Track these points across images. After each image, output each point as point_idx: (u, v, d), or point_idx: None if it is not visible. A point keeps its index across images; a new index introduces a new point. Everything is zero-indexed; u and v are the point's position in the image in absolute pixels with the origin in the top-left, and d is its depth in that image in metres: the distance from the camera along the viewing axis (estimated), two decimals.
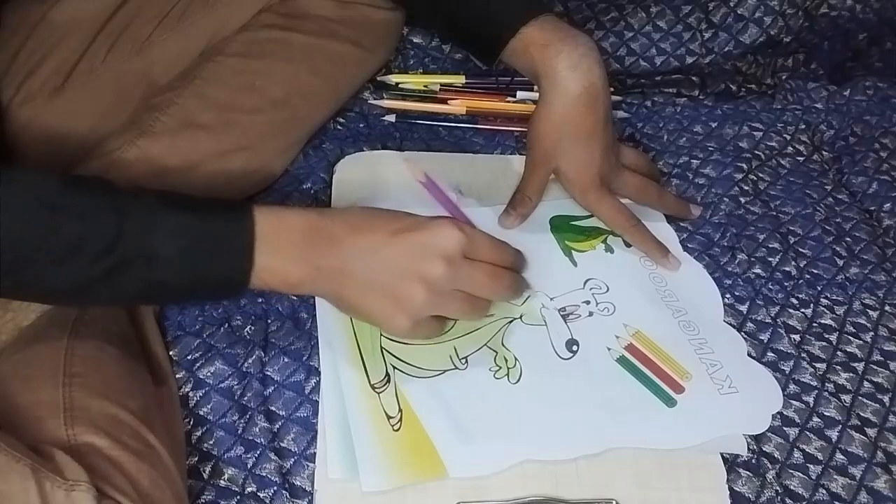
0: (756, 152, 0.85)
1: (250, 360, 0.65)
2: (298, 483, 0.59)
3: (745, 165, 0.83)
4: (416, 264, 0.56)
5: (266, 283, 0.55)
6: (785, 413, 0.64)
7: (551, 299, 0.69)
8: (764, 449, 0.62)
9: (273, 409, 0.62)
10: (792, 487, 0.60)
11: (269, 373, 0.64)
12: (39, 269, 0.50)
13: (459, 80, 0.91)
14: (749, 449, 0.61)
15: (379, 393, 0.62)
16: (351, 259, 0.56)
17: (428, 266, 0.56)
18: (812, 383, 0.66)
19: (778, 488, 0.60)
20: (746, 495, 0.59)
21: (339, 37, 0.79)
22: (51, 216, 0.49)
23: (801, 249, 0.76)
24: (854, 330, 0.70)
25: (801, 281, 0.73)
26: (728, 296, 0.72)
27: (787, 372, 0.67)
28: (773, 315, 0.71)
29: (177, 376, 0.64)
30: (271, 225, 0.54)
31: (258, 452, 0.60)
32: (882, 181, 0.83)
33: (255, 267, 0.54)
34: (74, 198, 0.50)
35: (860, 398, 0.65)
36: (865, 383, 0.66)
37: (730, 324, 0.70)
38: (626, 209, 0.74)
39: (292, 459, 0.60)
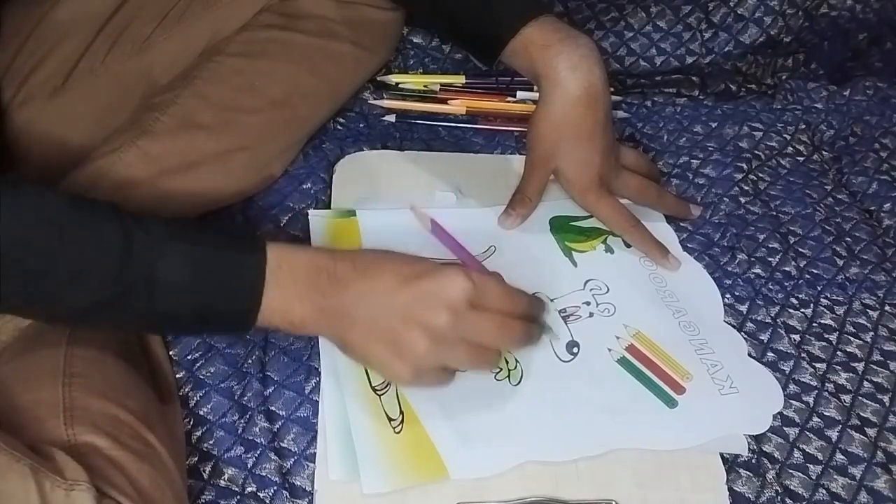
0: (756, 152, 0.85)
1: (250, 360, 0.65)
2: (298, 483, 0.59)
3: (745, 165, 0.83)
4: (420, 312, 0.54)
5: (269, 320, 0.54)
6: (785, 413, 0.64)
7: (552, 300, 0.69)
8: (764, 449, 0.62)
9: (273, 409, 0.62)
10: (792, 487, 0.60)
11: (269, 373, 0.64)
12: (41, 292, 0.49)
13: (459, 80, 0.91)
14: (749, 449, 0.62)
15: (380, 395, 0.62)
16: (355, 303, 0.54)
17: (431, 315, 0.53)
18: (812, 383, 0.66)
19: (778, 488, 0.60)
20: (746, 495, 0.59)
21: (339, 37, 0.79)
22: (57, 238, 0.49)
23: (801, 249, 0.76)
24: (854, 330, 0.70)
25: (801, 281, 0.73)
26: (728, 296, 0.72)
27: (787, 372, 0.67)
28: (773, 315, 0.71)
29: (177, 376, 0.64)
30: (278, 263, 0.53)
31: (258, 452, 0.60)
32: (882, 181, 0.83)
33: (262, 305, 0.53)
34: (82, 220, 0.50)
35: (860, 398, 0.65)
36: (865, 383, 0.66)
37: (730, 324, 0.70)
38: (625, 210, 0.74)
39: (292, 459, 0.60)
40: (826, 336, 0.69)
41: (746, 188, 0.81)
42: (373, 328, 0.54)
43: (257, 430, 0.61)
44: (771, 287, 0.73)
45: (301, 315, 0.54)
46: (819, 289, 0.73)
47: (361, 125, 0.86)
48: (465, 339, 0.55)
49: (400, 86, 0.91)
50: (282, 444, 0.61)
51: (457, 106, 0.89)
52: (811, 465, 0.61)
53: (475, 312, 0.55)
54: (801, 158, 0.86)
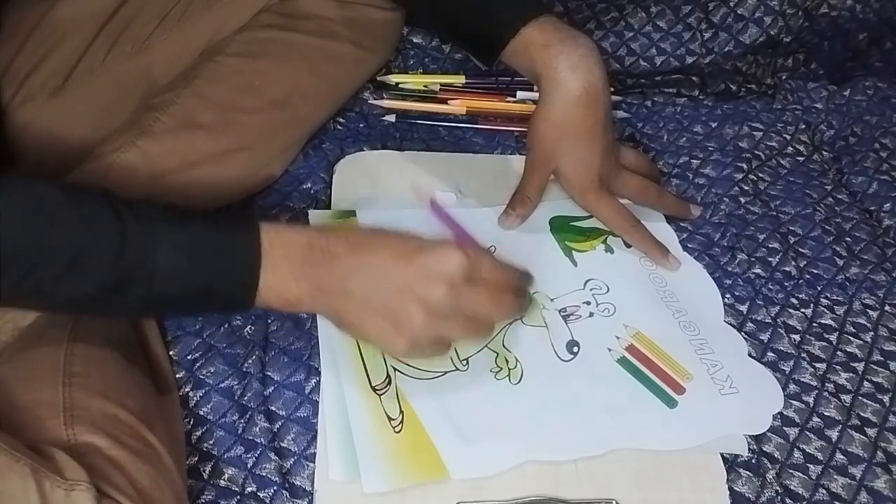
0: (756, 152, 0.85)
1: (250, 360, 0.65)
2: (298, 483, 0.59)
3: (745, 165, 0.83)
4: (417, 286, 0.54)
5: (265, 300, 0.54)
6: (785, 413, 0.64)
7: (552, 300, 0.69)
8: (764, 449, 0.62)
9: (273, 409, 0.62)
10: (792, 487, 0.60)
11: (269, 373, 0.64)
12: (39, 283, 0.49)
13: (459, 80, 0.91)
14: (749, 449, 0.62)
15: (380, 395, 0.62)
16: (351, 278, 0.54)
17: (428, 288, 0.54)
18: (812, 383, 0.66)
19: (778, 488, 0.60)
20: (746, 495, 0.59)
21: (339, 37, 0.79)
22: (52, 228, 0.49)
23: (801, 249, 0.76)
24: (854, 330, 0.70)
25: (801, 281, 0.73)
26: (728, 296, 0.72)
27: (787, 372, 0.67)
28: (773, 315, 0.71)
29: (177, 376, 0.64)
30: (271, 242, 0.53)
31: (258, 452, 0.60)
32: (882, 181, 0.83)
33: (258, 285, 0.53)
34: (76, 210, 0.50)
35: (860, 398, 0.65)
36: (865, 383, 0.66)
37: (730, 324, 0.70)
38: (625, 210, 0.74)
39: (292, 459, 0.60)
40: (826, 336, 0.69)
41: (746, 188, 0.81)
42: (369, 302, 0.55)
43: (257, 430, 0.61)
44: (771, 287, 0.73)
45: (297, 293, 0.54)
46: (819, 289, 0.73)
47: (361, 125, 0.86)
48: (461, 312, 0.56)
49: (400, 86, 0.91)
50: (282, 444, 0.61)
51: (457, 106, 0.89)
52: (811, 465, 0.61)
53: (470, 286, 0.56)
54: (801, 158, 0.86)
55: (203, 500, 0.58)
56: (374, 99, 0.89)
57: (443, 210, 0.72)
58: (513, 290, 0.59)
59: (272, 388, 0.63)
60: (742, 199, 0.80)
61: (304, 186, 0.78)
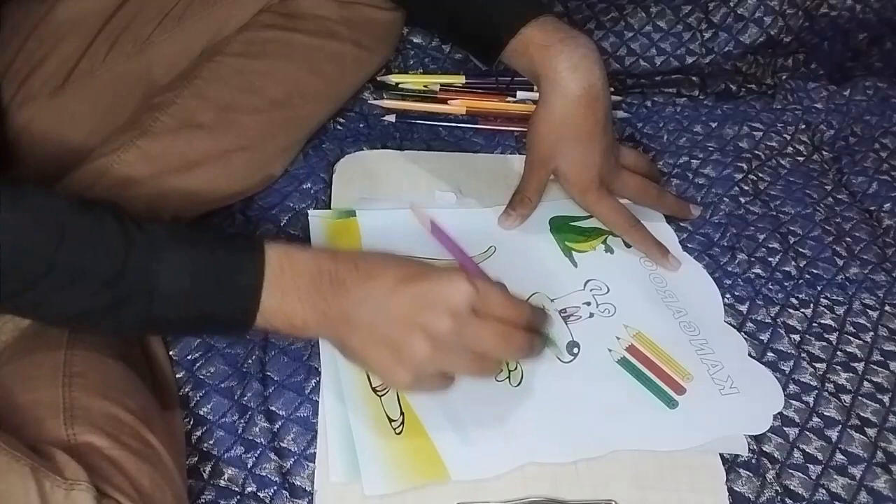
0: (756, 152, 0.85)
1: (250, 360, 0.65)
2: (298, 483, 0.59)
3: (745, 165, 0.83)
4: (421, 317, 0.52)
5: (270, 323, 0.53)
6: (785, 413, 0.64)
7: (552, 301, 0.69)
8: (764, 449, 0.62)
9: (273, 409, 0.62)
10: (792, 487, 0.60)
11: (269, 373, 0.64)
12: (38, 296, 0.49)
13: (459, 80, 0.91)
14: (749, 449, 0.62)
15: (380, 396, 0.62)
16: (356, 306, 0.53)
17: (433, 320, 0.52)
18: (812, 383, 0.66)
19: (778, 488, 0.60)
20: (746, 495, 0.59)
21: (339, 37, 0.79)
22: (55, 243, 0.48)
23: (801, 249, 0.76)
24: (854, 330, 0.70)
25: (801, 281, 0.73)
26: (728, 296, 0.72)
27: (787, 372, 0.67)
28: (773, 315, 0.71)
29: (177, 376, 0.64)
30: (280, 265, 0.53)
31: (258, 452, 0.60)
32: (882, 181, 0.83)
33: (260, 308, 0.52)
34: (81, 226, 0.50)
35: (860, 398, 0.65)
36: (865, 383, 0.66)
37: (730, 324, 0.70)
38: (625, 210, 0.74)
39: (292, 459, 0.60)
40: (826, 336, 0.69)
41: (746, 188, 0.82)
42: (373, 333, 0.53)
43: (257, 430, 0.61)
44: (771, 287, 0.73)
45: (303, 318, 0.53)
46: (819, 289, 0.73)
47: (361, 125, 0.86)
48: (466, 347, 0.54)
49: (400, 86, 0.91)
50: (282, 444, 0.61)
51: (457, 106, 0.89)
52: (811, 465, 0.61)
53: (477, 319, 0.53)
54: (801, 158, 0.86)
55: (203, 500, 0.58)
56: (374, 99, 0.89)
57: (445, 234, 0.72)
58: (524, 327, 0.56)
59: (272, 388, 0.63)
60: (742, 199, 0.80)
61: (304, 186, 0.78)
